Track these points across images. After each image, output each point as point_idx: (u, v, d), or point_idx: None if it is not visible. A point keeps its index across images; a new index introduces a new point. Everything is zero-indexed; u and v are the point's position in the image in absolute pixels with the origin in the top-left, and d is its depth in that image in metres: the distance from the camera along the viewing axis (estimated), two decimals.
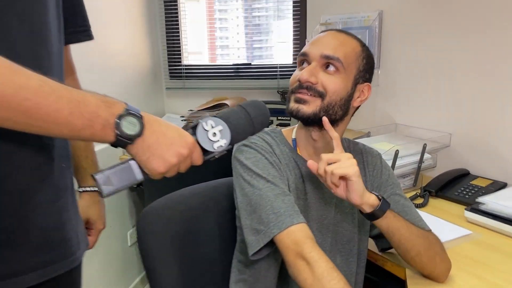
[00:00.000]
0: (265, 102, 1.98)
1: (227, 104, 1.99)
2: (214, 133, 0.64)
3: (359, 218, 0.96)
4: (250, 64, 2.29)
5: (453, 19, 1.48)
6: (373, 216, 0.81)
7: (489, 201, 1.17)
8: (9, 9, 0.62)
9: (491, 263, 0.97)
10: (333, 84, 0.84)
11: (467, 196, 1.31)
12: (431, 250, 0.86)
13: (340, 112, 0.87)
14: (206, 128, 0.64)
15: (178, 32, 2.32)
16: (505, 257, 1.00)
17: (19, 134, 0.55)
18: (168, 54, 2.35)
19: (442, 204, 1.33)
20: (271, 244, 0.80)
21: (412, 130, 1.63)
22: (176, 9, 2.29)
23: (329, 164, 0.78)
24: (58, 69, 0.73)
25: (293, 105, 0.87)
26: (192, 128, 0.64)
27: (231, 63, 2.32)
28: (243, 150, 0.89)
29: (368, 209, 0.80)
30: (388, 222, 0.82)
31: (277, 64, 2.23)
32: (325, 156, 0.79)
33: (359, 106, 0.92)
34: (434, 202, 1.34)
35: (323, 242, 0.92)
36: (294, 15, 2.14)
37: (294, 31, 2.15)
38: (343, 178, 0.78)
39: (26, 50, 0.64)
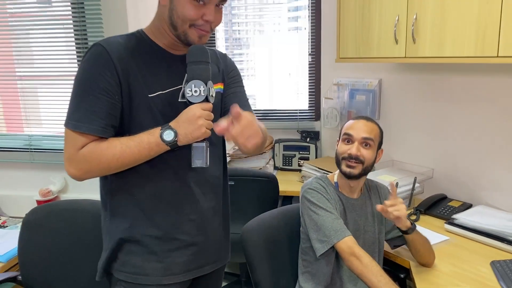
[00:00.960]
0: (287, 140, 2.63)
1: None
2: (196, 90, 1.02)
3: (378, 229, 1.54)
4: (275, 109, 2.88)
5: (435, 87, 2.10)
6: (406, 232, 1.40)
7: (460, 217, 1.76)
8: None
9: (460, 256, 1.56)
10: (369, 155, 1.43)
11: (445, 214, 1.91)
12: (428, 249, 1.46)
13: (369, 169, 1.46)
14: (191, 93, 1.02)
15: None
16: (470, 253, 1.59)
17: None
18: None
19: (429, 219, 1.92)
20: (330, 249, 1.38)
21: (405, 165, 2.23)
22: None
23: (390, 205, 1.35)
24: None
25: (345, 168, 1.43)
26: (187, 102, 1.04)
27: (261, 108, 2.90)
28: (308, 191, 1.46)
29: (404, 229, 1.39)
30: (413, 236, 1.42)
31: (297, 109, 2.82)
32: (388, 202, 1.35)
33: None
34: (423, 218, 1.93)
35: None
36: (309, 73, 2.73)
37: (309, 85, 2.75)
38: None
39: None
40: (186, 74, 1.08)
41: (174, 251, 1.17)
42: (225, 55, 1.31)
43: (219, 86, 1.23)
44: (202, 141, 1.06)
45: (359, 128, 1.45)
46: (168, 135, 1.02)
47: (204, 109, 1.03)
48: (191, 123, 1.02)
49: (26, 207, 2.16)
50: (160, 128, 1.03)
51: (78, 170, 1.05)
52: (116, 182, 1.13)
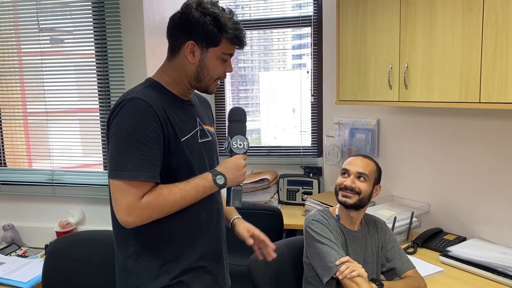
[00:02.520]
0: (291, 175, 2.78)
1: (268, 179, 2.71)
2: (240, 143, 1.27)
3: (377, 261, 1.65)
4: (280, 146, 3.05)
5: (428, 128, 2.27)
6: None
7: (454, 250, 1.88)
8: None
9: (454, 286, 1.67)
10: (364, 187, 1.58)
11: (441, 246, 2.02)
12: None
13: (366, 201, 1.61)
14: (236, 145, 1.27)
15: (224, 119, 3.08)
16: (463, 283, 1.70)
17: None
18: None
19: (426, 251, 2.02)
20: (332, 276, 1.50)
21: (403, 201, 2.37)
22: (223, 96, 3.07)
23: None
24: None
25: (341, 198, 1.59)
26: (230, 152, 1.27)
27: (266, 144, 3.06)
28: (312, 222, 1.60)
29: None
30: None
31: (300, 146, 2.99)
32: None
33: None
34: (420, 250, 2.04)
35: None
36: (312, 113, 2.92)
37: (312, 123, 2.93)
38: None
39: None
40: (228, 129, 1.30)
41: (198, 277, 1.29)
42: (208, 101, 1.51)
43: (213, 129, 1.41)
44: (238, 185, 1.27)
45: (356, 164, 1.61)
46: (220, 180, 1.21)
47: (244, 159, 1.27)
48: (238, 170, 1.24)
49: (46, 238, 2.31)
50: (209, 173, 1.21)
51: (138, 218, 1.12)
52: (143, 227, 1.16)
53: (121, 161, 1.12)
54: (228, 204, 1.28)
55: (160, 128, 1.15)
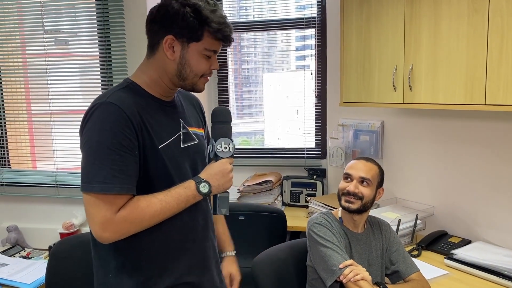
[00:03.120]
0: (295, 177, 2.77)
1: (271, 180, 2.71)
2: (225, 147, 1.17)
3: (381, 263, 1.64)
4: (284, 147, 3.05)
5: (432, 130, 2.26)
6: None
7: (459, 253, 1.86)
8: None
9: None
10: (367, 192, 1.57)
11: (445, 249, 2.00)
12: None
13: (369, 205, 1.60)
14: (221, 149, 1.17)
15: None
16: (468, 286, 1.68)
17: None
18: None
19: (430, 254, 2.01)
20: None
21: (408, 203, 2.35)
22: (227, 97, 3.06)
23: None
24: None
25: (344, 203, 1.57)
26: (214, 157, 1.18)
27: (270, 146, 3.06)
28: (315, 225, 1.59)
29: None
30: None
31: (304, 148, 2.98)
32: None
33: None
34: (425, 253, 2.02)
35: None
36: (316, 114, 2.91)
37: (316, 125, 2.92)
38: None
39: None
40: (211, 131, 1.20)
41: None
42: (198, 99, 1.39)
43: (201, 131, 1.31)
44: (225, 191, 1.19)
45: (358, 168, 1.59)
46: (204, 188, 1.12)
47: (231, 163, 1.19)
48: (224, 176, 1.16)
49: (50, 240, 2.32)
50: (192, 181, 1.12)
51: (114, 233, 1.03)
52: (123, 241, 1.07)
53: (92, 172, 1.02)
54: (214, 212, 1.19)
55: (134, 134, 1.05)
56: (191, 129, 1.24)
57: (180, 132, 1.19)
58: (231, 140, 1.20)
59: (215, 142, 1.19)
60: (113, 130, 1.03)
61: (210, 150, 1.21)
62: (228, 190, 1.20)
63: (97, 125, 1.04)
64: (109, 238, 1.04)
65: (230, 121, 1.23)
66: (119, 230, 1.04)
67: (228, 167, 1.18)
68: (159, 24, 1.11)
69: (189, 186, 1.12)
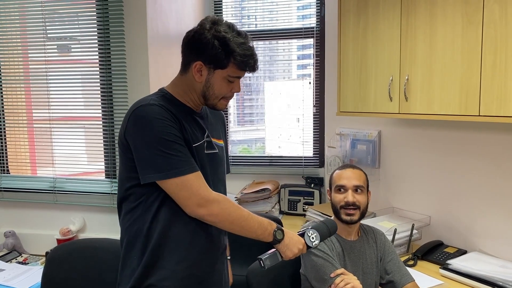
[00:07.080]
0: (293, 185, 2.78)
1: (269, 189, 2.71)
2: (313, 237, 1.34)
3: (376, 271, 1.65)
4: (282, 156, 3.06)
5: (429, 140, 2.27)
6: None
7: (454, 263, 1.86)
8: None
9: None
10: (363, 199, 1.58)
11: (441, 259, 2.00)
12: None
13: (365, 211, 1.61)
14: (309, 235, 1.34)
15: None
16: None
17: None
18: None
19: (426, 264, 2.01)
20: None
21: (404, 212, 2.36)
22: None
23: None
24: None
25: (345, 217, 1.57)
26: (301, 234, 1.35)
27: (268, 155, 3.07)
28: None
29: None
30: None
31: (302, 156, 2.99)
32: None
33: None
34: (420, 263, 2.02)
35: None
36: (314, 123, 2.93)
37: (314, 134, 2.94)
38: None
39: None
40: (317, 223, 1.42)
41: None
42: (222, 114, 1.53)
43: (221, 142, 1.45)
44: (281, 256, 1.31)
45: (349, 177, 1.60)
46: (279, 235, 1.28)
47: (303, 248, 1.33)
48: (295, 247, 1.30)
49: (47, 245, 2.32)
50: (276, 225, 1.29)
51: (215, 209, 1.20)
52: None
53: (165, 161, 1.17)
54: (259, 255, 1.29)
55: (180, 128, 1.22)
56: (213, 140, 1.36)
57: (205, 140, 1.32)
58: (321, 241, 1.36)
59: (311, 228, 1.36)
60: (166, 124, 1.18)
61: (302, 228, 1.40)
62: (282, 256, 1.31)
63: (150, 124, 1.18)
64: (204, 214, 1.20)
65: (330, 233, 1.41)
66: (214, 208, 1.20)
67: (300, 246, 1.32)
68: (190, 49, 1.26)
69: (271, 223, 1.28)
